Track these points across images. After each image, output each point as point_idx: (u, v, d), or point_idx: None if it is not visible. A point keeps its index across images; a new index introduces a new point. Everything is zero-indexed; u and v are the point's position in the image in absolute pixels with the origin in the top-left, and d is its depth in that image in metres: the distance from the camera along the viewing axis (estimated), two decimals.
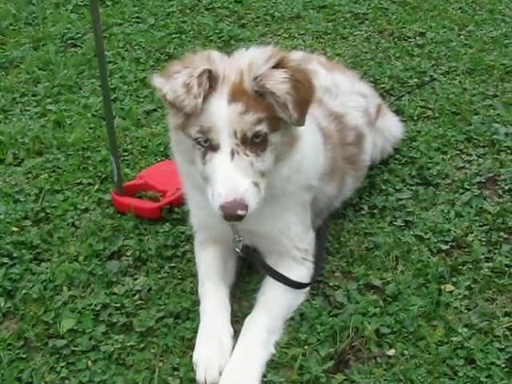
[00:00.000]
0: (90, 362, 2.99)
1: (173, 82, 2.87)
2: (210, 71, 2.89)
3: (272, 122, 2.91)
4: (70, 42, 6.06)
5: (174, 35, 6.04)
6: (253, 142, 2.89)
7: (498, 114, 4.71)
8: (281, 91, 2.85)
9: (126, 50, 5.84)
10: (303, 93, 2.92)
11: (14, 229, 3.78)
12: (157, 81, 2.96)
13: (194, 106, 2.83)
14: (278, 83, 2.86)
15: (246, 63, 2.93)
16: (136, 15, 6.49)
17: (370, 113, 4.02)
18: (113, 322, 3.19)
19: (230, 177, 2.82)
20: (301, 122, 2.96)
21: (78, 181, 4.19)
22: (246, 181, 2.83)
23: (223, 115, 2.85)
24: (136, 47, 5.88)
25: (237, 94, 2.87)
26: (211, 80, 2.89)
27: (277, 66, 2.91)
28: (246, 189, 2.81)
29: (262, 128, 2.88)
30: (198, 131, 2.89)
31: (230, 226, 3.14)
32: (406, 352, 2.98)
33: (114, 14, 6.49)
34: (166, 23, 6.28)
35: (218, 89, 2.89)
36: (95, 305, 3.26)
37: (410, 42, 5.83)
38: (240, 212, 2.79)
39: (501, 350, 2.98)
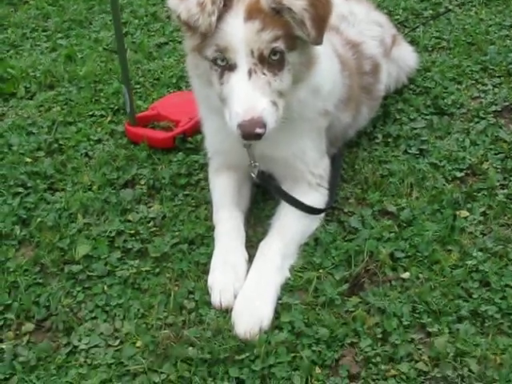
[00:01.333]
0: (105, 287, 3.01)
1: (187, 2, 2.83)
2: None
3: (289, 40, 2.87)
4: None
5: None
6: (270, 61, 2.85)
7: None
8: (298, 7, 2.80)
9: None
10: (321, 10, 2.87)
11: (28, 160, 3.79)
12: (171, 2, 2.91)
13: (209, 25, 2.79)
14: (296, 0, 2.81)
15: None
16: None
17: (385, 43, 3.97)
18: (128, 248, 3.21)
19: (247, 96, 2.79)
20: (318, 40, 2.90)
21: (91, 113, 4.19)
22: (263, 99, 2.80)
23: (240, 34, 2.81)
24: None
25: (253, 12, 2.82)
26: None
27: None
28: (263, 107, 2.79)
29: (279, 45, 2.84)
30: (216, 50, 2.86)
31: (247, 150, 3.13)
32: (420, 275, 2.99)
33: None
34: None
35: (234, 7, 2.84)
36: (110, 232, 3.28)
37: None
38: (258, 130, 2.76)
39: None
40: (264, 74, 2.84)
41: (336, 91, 3.38)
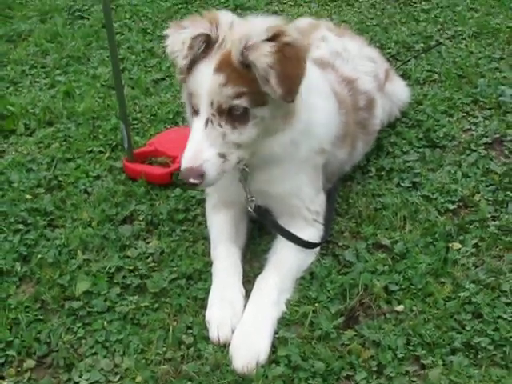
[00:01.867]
0: (105, 323, 3.06)
1: (175, 37, 2.98)
2: (207, 35, 2.91)
3: (256, 96, 2.91)
4: (77, 14, 6.13)
5: (180, 5, 6.11)
6: (231, 114, 2.91)
7: (505, 77, 4.74)
8: (262, 64, 2.81)
9: (133, 21, 5.90)
10: (289, 69, 2.86)
11: (28, 196, 3.85)
12: (168, 31, 3.06)
13: (182, 66, 2.93)
14: (262, 56, 2.81)
15: (241, 34, 2.89)
16: None
17: (379, 78, 4.06)
18: (127, 283, 3.26)
19: (195, 144, 2.89)
20: (287, 98, 2.91)
21: (89, 149, 4.26)
22: (209, 151, 2.88)
23: (205, 84, 2.89)
24: (143, 18, 5.95)
25: (223, 65, 2.88)
26: (208, 45, 2.93)
27: (272, 38, 2.85)
28: (205, 159, 2.86)
29: (241, 102, 2.89)
30: (187, 93, 2.99)
31: (242, 185, 3.21)
32: (414, 308, 3.04)
33: None
34: None
35: (211, 55, 2.92)
36: (109, 267, 3.33)
37: (416, 7, 5.86)
38: (192, 180, 2.86)
39: (507, 304, 3.04)
40: (220, 125, 2.91)
41: (332, 129, 3.44)
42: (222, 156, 2.91)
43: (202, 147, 2.88)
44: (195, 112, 2.96)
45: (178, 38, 2.95)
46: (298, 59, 2.92)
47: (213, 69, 2.89)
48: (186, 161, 2.86)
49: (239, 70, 2.88)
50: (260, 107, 2.94)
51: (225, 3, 6.04)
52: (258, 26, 2.92)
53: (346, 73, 3.80)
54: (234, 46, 2.87)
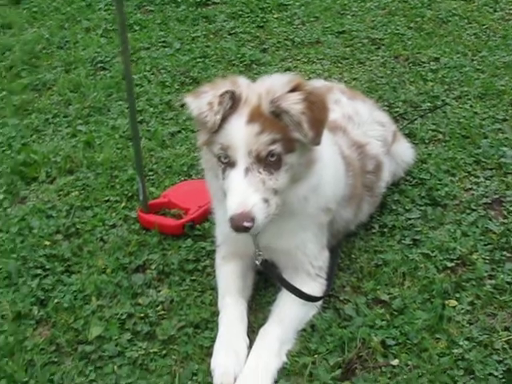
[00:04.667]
0: (115, 367, 3.22)
1: (199, 101, 3.19)
2: (233, 93, 3.15)
3: (287, 143, 3.15)
4: (99, 65, 6.35)
5: (198, 59, 6.29)
6: (267, 161, 3.12)
7: (507, 138, 4.86)
8: (295, 111, 3.09)
9: (152, 74, 6.10)
10: (317, 113, 3.15)
11: (47, 243, 4.04)
12: (187, 99, 3.29)
13: (214, 122, 3.11)
14: (293, 103, 3.10)
15: (265, 88, 3.19)
16: (162, 39, 6.76)
17: (387, 141, 4.20)
18: (137, 330, 3.42)
19: (241, 191, 3.07)
20: (316, 141, 3.18)
21: (106, 198, 4.45)
22: (255, 196, 3.07)
23: (240, 135, 3.11)
24: (162, 71, 6.14)
25: (254, 116, 3.12)
26: (234, 101, 3.16)
27: (293, 90, 3.15)
28: (254, 203, 3.05)
29: (276, 148, 3.11)
30: (220, 148, 3.16)
31: (253, 240, 3.38)
32: (409, 362, 3.17)
33: (142, 38, 6.78)
34: (190, 48, 6.54)
35: (239, 110, 3.15)
36: (121, 314, 3.50)
37: (425, 67, 6.01)
38: (246, 224, 3.02)
39: (499, 362, 3.15)
40: (260, 172, 3.11)
41: (339, 190, 3.62)
42: (266, 201, 3.10)
43: (247, 193, 3.06)
44: (230, 164, 3.14)
45: (204, 100, 3.16)
46: (323, 104, 3.23)
47: (245, 121, 3.12)
48: (236, 207, 3.04)
49: (270, 119, 3.13)
50: (290, 154, 3.17)
51: (240, 58, 6.25)
52: (278, 80, 3.24)
53: (356, 137, 3.96)
54: (263, 98, 3.14)
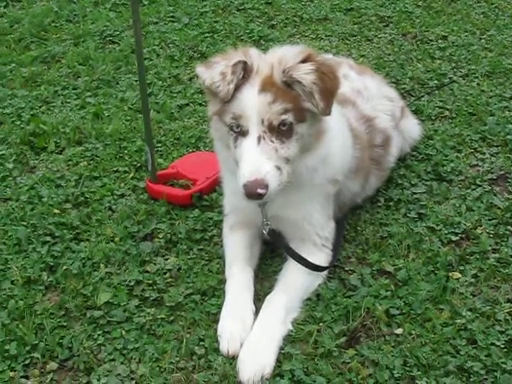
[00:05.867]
0: (123, 332, 3.28)
1: (211, 71, 3.22)
2: (245, 63, 3.19)
3: (299, 112, 3.19)
4: (108, 38, 6.36)
5: (206, 34, 6.31)
6: (279, 130, 3.17)
7: None
8: (307, 81, 3.13)
9: (161, 48, 6.12)
10: (328, 83, 3.19)
11: (56, 211, 4.08)
12: (198, 69, 3.31)
13: (227, 92, 3.14)
14: (305, 74, 3.14)
15: (277, 58, 3.23)
16: (171, 14, 6.77)
17: (396, 116, 4.23)
18: (145, 296, 3.48)
19: (254, 159, 3.12)
20: (327, 111, 3.22)
21: (115, 169, 4.49)
22: (268, 164, 3.11)
23: (253, 104, 3.15)
24: (170, 45, 6.16)
25: (267, 85, 3.16)
26: (246, 71, 3.21)
27: (304, 60, 3.19)
28: (267, 171, 3.10)
29: (288, 117, 3.16)
30: (232, 118, 3.19)
31: (261, 210, 3.42)
32: (413, 332, 3.23)
33: (151, 12, 6.79)
34: (199, 22, 6.55)
35: (251, 80, 3.20)
36: (129, 281, 3.56)
37: (432, 44, 6.04)
38: (260, 191, 3.07)
39: (501, 332, 3.22)
40: (272, 141, 3.15)
41: (346, 162, 3.66)
42: (278, 169, 3.15)
43: (260, 161, 3.12)
44: (242, 133, 3.18)
45: (216, 71, 3.20)
46: (334, 75, 3.28)
47: (257, 90, 3.16)
48: (250, 174, 3.09)
49: (282, 89, 3.18)
50: (301, 123, 3.22)
51: (249, 34, 6.27)
52: (289, 51, 3.28)
53: (364, 111, 4.00)
54: (275, 68, 3.18)
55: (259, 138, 3.14)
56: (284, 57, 3.22)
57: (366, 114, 3.99)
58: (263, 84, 3.18)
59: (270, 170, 3.11)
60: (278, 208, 3.44)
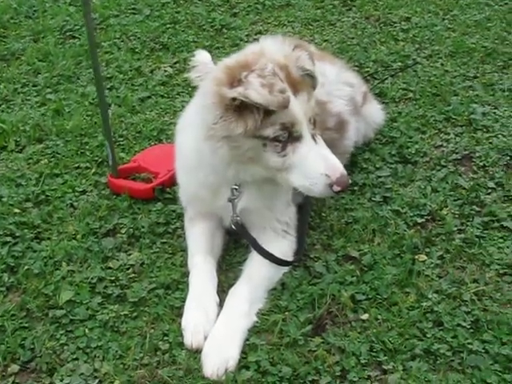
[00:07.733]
0: (86, 330, 3.22)
1: (250, 86, 2.98)
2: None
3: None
4: (68, 33, 6.23)
5: (168, 25, 6.21)
6: (314, 123, 3.24)
7: (477, 95, 4.91)
8: (311, 66, 3.25)
9: (121, 41, 6.02)
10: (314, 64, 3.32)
11: (17, 210, 4.00)
12: (228, 91, 3.02)
13: (284, 99, 3.01)
14: (307, 61, 3.23)
15: (283, 55, 3.19)
16: (132, 6, 6.64)
17: (355, 101, 4.19)
18: (108, 293, 3.43)
19: (326, 157, 3.17)
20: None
21: (76, 165, 4.41)
22: (333, 155, 3.22)
23: (299, 108, 3.12)
24: (132, 37, 6.06)
25: (294, 85, 3.13)
26: None
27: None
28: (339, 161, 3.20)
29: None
30: (280, 129, 3.09)
31: (232, 204, 3.38)
32: (379, 316, 3.21)
33: (111, 5, 6.66)
34: (160, 14, 6.45)
35: None
36: (92, 278, 3.49)
37: (396, 27, 6.01)
38: (350, 181, 3.24)
39: (467, 313, 3.21)
40: (319, 134, 3.23)
41: None
42: None
43: (331, 156, 3.19)
44: (295, 139, 3.14)
45: (255, 84, 2.97)
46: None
47: (292, 93, 3.10)
48: (335, 171, 3.14)
49: (303, 84, 3.21)
50: None
51: (211, 23, 6.19)
52: (280, 46, 3.27)
53: (317, 96, 3.95)
54: (290, 67, 3.16)
55: (313, 137, 3.17)
56: (285, 53, 3.21)
57: (319, 99, 3.93)
58: (291, 85, 3.12)
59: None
60: (250, 201, 3.41)
